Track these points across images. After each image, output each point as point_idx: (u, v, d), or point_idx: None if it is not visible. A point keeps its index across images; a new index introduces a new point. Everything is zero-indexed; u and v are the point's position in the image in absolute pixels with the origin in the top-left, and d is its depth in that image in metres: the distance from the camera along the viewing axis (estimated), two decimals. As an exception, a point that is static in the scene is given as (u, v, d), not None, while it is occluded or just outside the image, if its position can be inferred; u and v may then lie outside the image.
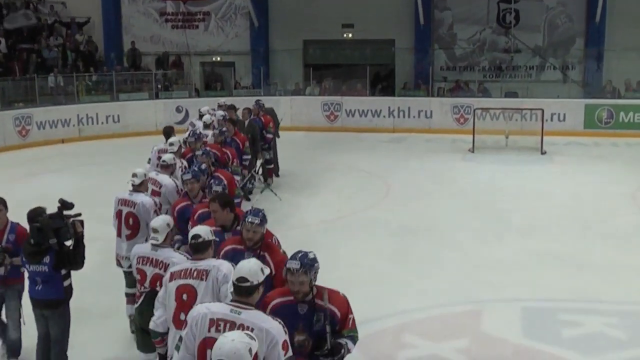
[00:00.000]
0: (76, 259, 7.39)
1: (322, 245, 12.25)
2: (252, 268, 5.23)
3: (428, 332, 8.90)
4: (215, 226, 7.06)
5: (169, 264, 6.76)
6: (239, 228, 6.88)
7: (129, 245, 8.63)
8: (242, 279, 5.16)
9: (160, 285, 6.51)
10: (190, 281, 6.06)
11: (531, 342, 8.57)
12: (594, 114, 24.10)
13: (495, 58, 27.90)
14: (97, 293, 10.02)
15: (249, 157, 14.50)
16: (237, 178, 12.15)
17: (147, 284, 7.02)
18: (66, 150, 22.91)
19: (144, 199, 8.91)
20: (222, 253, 6.56)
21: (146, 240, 7.62)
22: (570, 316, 9.26)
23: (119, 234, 9.05)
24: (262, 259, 6.04)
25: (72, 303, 7.59)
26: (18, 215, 7.82)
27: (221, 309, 5.15)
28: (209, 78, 29.86)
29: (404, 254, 12.05)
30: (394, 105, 25.61)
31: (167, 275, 6.24)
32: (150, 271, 6.99)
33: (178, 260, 6.74)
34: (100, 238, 12.31)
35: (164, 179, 10.08)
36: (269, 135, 16.76)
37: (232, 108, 16.67)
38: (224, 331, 4.91)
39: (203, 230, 6.35)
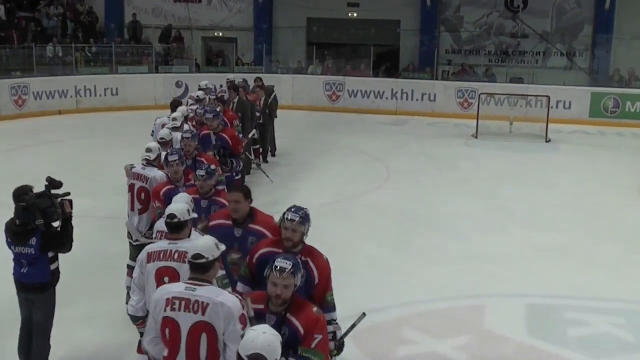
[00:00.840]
0: (63, 241, 7.06)
1: (321, 230, 11.77)
2: (206, 244, 5.16)
3: (429, 327, 8.53)
4: (228, 218, 6.53)
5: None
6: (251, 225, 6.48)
7: (140, 219, 8.63)
8: (197, 256, 5.06)
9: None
10: (171, 264, 5.88)
11: (535, 341, 8.20)
12: (600, 103, 23.72)
13: (501, 43, 27.53)
14: (88, 273, 9.68)
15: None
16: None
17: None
18: (63, 122, 22.55)
19: (156, 173, 8.69)
20: (256, 258, 5.88)
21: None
22: (577, 315, 8.90)
23: (132, 208, 8.82)
24: (304, 265, 5.53)
25: (61, 284, 7.22)
26: (9, 189, 7.31)
27: (177, 288, 5.06)
28: (210, 53, 29.37)
29: (404, 243, 11.68)
30: (397, 87, 25.20)
31: (144, 255, 5.99)
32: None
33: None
34: (93, 215, 12.15)
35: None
36: (257, 114, 16.17)
37: (242, 87, 16.18)
38: (180, 310, 4.92)
39: (179, 210, 6.06)
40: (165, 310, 4.98)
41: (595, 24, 26.65)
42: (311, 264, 5.75)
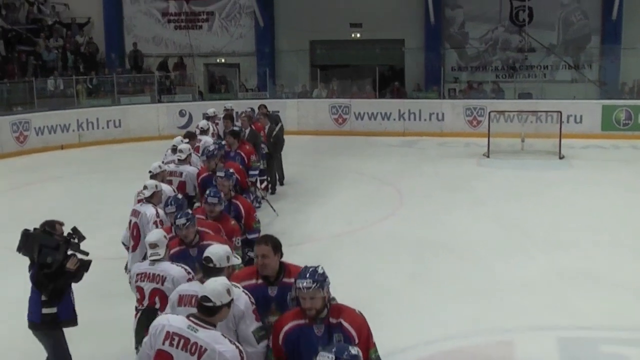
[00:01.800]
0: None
1: (333, 263, 11.43)
2: (216, 288, 4.99)
3: (455, 368, 8.05)
4: (255, 277, 5.89)
5: (166, 277, 6.55)
6: (285, 279, 5.83)
7: (132, 256, 8.54)
8: (205, 298, 4.96)
9: (161, 301, 6.42)
10: None
11: (571, 379, 7.72)
12: (611, 115, 23.24)
13: (508, 57, 27.07)
14: (90, 316, 9.16)
15: (256, 172, 13.23)
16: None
17: (145, 301, 6.67)
18: (65, 157, 22.14)
19: (147, 209, 8.61)
20: (282, 338, 5.33)
21: (144, 258, 7.29)
22: (612, 347, 8.36)
23: (134, 249, 8.75)
24: (339, 329, 5.17)
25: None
26: (14, 227, 7.30)
27: (179, 324, 4.97)
28: (213, 80, 28.98)
29: (423, 274, 11.17)
30: (404, 108, 24.75)
31: (175, 297, 5.78)
32: (147, 287, 6.67)
33: (176, 273, 6.53)
34: (95, 256, 11.63)
35: (185, 168, 10.66)
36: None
37: (249, 116, 15.82)
38: (177, 347, 4.88)
39: (217, 254, 5.76)
40: (163, 344, 4.92)
41: (603, 34, 26.19)
42: (345, 324, 5.22)
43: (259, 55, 28.52)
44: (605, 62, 25.99)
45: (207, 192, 8.29)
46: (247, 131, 14.53)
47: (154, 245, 6.72)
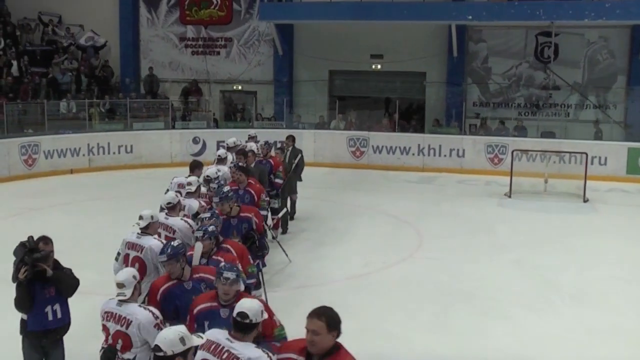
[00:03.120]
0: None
1: (349, 308, 10.83)
2: (168, 336, 4.94)
3: None
4: (299, 352, 5.30)
5: (132, 321, 6.34)
6: None
7: None
8: (157, 347, 4.93)
9: (123, 343, 6.37)
10: None
11: None
12: (637, 159, 22.47)
13: (531, 94, 26.37)
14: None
15: (265, 213, 12.17)
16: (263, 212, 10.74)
17: (109, 341, 6.52)
18: (75, 182, 21.63)
19: (152, 242, 8.27)
20: None
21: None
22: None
23: None
24: None
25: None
26: (10, 261, 7.26)
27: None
28: (228, 108, 28.44)
29: (443, 323, 10.49)
30: (424, 143, 24.11)
31: (201, 341, 5.36)
32: (112, 328, 6.49)
33: (144, 319, 6.32)
34: (97, 292, 11.01)
35: (176, 222, 9.32)
36: (278, 181, 14.73)
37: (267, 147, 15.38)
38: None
39: (253, 309, 5.47)
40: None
41: (629, 74, 25.45)
42: None
43: (277, 83, 27.95)
44: (631, 103, 25.28)
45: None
46: (252, 165, 13.77)
47: (121, 285, 6.49)
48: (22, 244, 7.21)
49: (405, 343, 9.69)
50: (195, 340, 5.08)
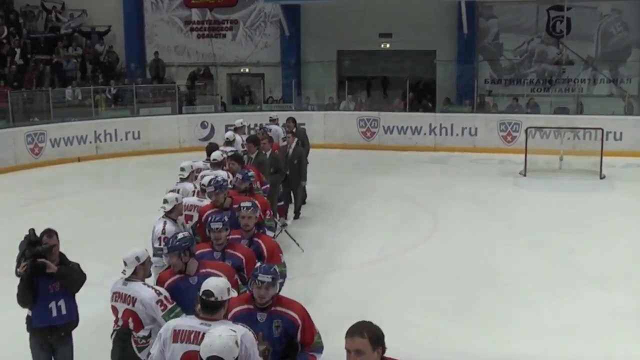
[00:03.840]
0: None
1: (364, 295, 10.61)
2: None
3: None
4: None
5: (136, 298, 6.44)
6: None
7: None
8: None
9: (134, 322, 6.42)
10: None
11: None
12: (653, 133, 22.02)
13: (543, 70, 25.93)
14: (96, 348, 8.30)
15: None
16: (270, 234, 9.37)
17: (119, 322, 6.62)
18: (82, 170, 21.30)
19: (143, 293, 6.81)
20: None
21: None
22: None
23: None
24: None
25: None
26: (14, 254, 7.10)
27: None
28: (236, 91, 28.06)
29: (465, 311, 10.11)
30: (436, 122, 23.68)
31: (169, 332, 5.37)
32: (120, 307, 6.59)
33: (146, 295, 6.40)
34: (103, 284, 10.71)
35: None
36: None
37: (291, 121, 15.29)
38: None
39: (217, 287, 5.38)
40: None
41: (644, 47, 25.03)
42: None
43: (285, 65, 27.55)
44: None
45: (209, 217, 7.57)
46: (254, 156, 12.94)
47: (124, 263, 6.65)
48: (26, 237, 7.00)
49: (428, 332, 9.34)
50: (240, 327, 5.09)
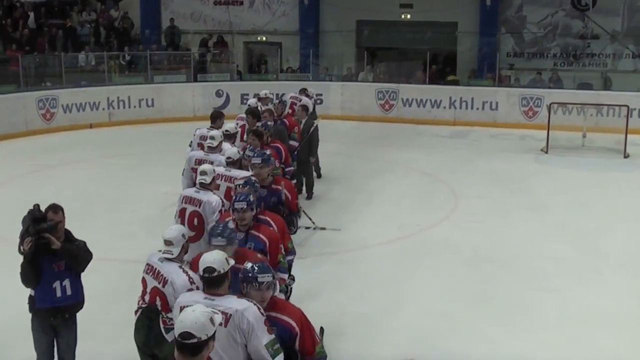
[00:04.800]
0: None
1: (381, 277, 10.27)
2: (198, 320, 4.25)
3: None
4: None
5: (167, 280, 6.04)
6: None
7: (191, 248, 7.02)
8: (185, 335, 4.23)
9: (161, 303, 6.06)
10: None
11: None
12: (680, 110, 21.39)
13: (567, 44, 25.28)
14: (104, 332, 8.12)
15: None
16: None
17: (146, 297, 6.25)
18: (94, 137, 20.87)
19: (210, 197, 8.05)
20: None
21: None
22: None
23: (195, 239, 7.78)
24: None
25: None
26: (17, 222, 6.72)
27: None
28: (252, 60, 27.55)
29: (485, 296, 9.63)
30: (456, 95, 23.12)
31: (177, 311, 5.14)
32: (150, 283, 6.24)
33: (178, 281, 5.95)
34: (115, 258, 10.38)
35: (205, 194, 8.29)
36: (293, 143, 13.21)
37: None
38: None
39: (217, 261, 5.17)
40: None
41: (672, 21, 24.36)
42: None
43: (302, 34, 27.03)
44: (673, 52, 24.25)
45: (234, 196, 7.09)
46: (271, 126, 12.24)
47: (168, 243, 6.19)
48: (30, 212, 6.60)
49: (446, 318, 8.89)
50: (216, 317, 4.39)
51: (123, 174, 16.24)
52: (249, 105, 13.65)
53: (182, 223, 7.77)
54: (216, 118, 11.86)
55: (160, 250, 6.24)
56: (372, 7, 25.64)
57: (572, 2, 24.96)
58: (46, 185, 14.98)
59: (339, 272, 10.37)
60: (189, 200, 8.10)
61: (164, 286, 6.05)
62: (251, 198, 6.90)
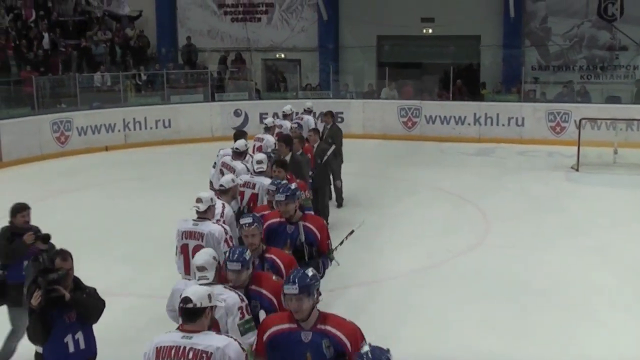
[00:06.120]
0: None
1: (415, 310, 9.60)
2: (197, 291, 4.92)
3: None
4: None
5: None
6: None
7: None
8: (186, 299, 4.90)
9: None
10: None
11: None
12: None
13: (594, 56, 24.58)
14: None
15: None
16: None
17: None
18: (110, 160, 20.46)
19: (211, 227, 7.59)
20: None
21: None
22: None
23: (186, 271, 7.52)
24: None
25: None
26: (54, 240, 6.97)
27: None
28: (271, 77, 27.03)
29: (524, 328, 9.00)
30: (480, 111, 22.50)
31: (152, 352, 4.93)
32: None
33: (228, 299, 5.65)
34: (130, 292, 9.86)
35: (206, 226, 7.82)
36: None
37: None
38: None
39: (197, 293, 4.99)
40: None
41: (703, 31, 23.64)
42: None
43: (322, 50, 26.53)
44: None
45: (227, 253, 6.16)
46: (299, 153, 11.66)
47: (201, 269, 5.78)
48: (35, 260, 6.32)
49: (483, 354, 8.28)
50: (218, 303, 5.17)
51: (140, 200, 15.73)
52: (265, 124, 13.46)
53: (186, 260, 7.52)
54: (238, 138, 11.42)
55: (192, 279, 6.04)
56: (392, 22, 25.10)
57: (599, 13, 24.29)
58: (61, 212, 14.49)
59: (365, 305, 9.74)
60: (189, 234, 7.62)
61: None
62: (247, 256, 5.97)
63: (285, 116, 14.73)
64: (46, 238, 7.30)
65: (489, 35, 25.04)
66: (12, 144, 19.49)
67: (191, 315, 4.89)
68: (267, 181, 9.23)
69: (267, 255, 6.60)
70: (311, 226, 7.50)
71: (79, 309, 6.10)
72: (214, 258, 5.86)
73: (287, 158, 11.03)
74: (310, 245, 7.43)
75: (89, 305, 6.19)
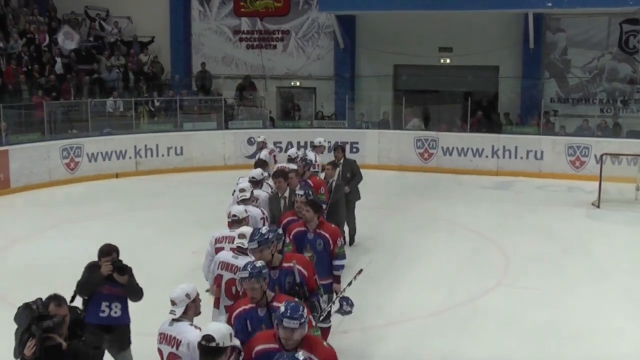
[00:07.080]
0: None
1: (432, 354, 9.08)
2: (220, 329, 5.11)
3: None
4: None
5: (181, 341, 5.90)
6: None
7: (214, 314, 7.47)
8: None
9: None
10: None
11: None
12: None
13: (614, 89, 24.10)
14: None
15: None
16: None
17: None
18: (120, 187, 20.16)
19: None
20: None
21: None
22: None
23: (216, 305, 7.60)
24: None
25: None
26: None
27: None
28: (286, 105, 26.68)
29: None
30: (499, 144, 22.07)
31: None
32: (165, 350, 6.05)
33: (193, 338, 5.68)
34: (150, 332, 9.42)
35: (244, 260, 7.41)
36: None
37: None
38: None
39: (220, 331, 5.17)
40: None
41: None
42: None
43: (338, 79, 26.10)
44: None
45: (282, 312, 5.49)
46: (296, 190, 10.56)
47: (172, 302, 6.05)
48: (27, 307, 5.72)
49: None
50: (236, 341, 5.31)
51: (150, 229, 15.32)
52: (289, 155, 13.35)
53: (218, 291, 7.55)
54: (258, 167, 11.47)
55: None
56: (410, 51, 24.66)
57: (620, 45, 23.82)
58: (68, 242, 14.14)
59: (380, 350, 9.29)
60: (225, 266, 7.55)
61: (177, 348, 5.87)
62: (304, 313, 5.47)
63: (315, 147, 14.36)
64: (123, 269, 7.33)
65: (507, 66, 24.60)
66: (21, 170, 19.24)
67: (213, 353, 5.07)
68: (256, 211, 9.47)
69: (274, 303, 6.12)
70: (299, 266, 7.19)
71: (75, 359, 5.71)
72: (187, 296, 6.03)
73: (286, 194, 10.77)
74: (300, 285, 7.15)
75: (87, 355, 5.85)
